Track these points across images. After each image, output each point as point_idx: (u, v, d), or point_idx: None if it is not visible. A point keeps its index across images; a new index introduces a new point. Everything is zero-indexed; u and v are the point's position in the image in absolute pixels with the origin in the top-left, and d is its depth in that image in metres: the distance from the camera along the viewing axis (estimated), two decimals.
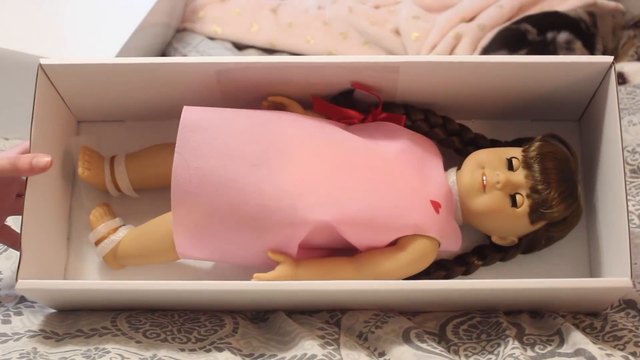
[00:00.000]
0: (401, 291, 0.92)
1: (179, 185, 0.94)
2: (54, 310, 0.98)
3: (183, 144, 0.94)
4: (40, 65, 0.97)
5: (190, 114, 0.96)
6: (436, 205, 0.97)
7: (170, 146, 0.97)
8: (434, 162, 1.01)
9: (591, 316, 0.99)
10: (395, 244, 0.97)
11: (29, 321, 0.95)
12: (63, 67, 0.98)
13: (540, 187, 0.96)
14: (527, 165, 0.96)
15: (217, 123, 0.96)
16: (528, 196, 0.96)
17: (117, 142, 1.08)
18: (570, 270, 1.03)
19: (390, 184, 0.96)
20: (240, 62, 0.98)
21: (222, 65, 0.98)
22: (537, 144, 0.98)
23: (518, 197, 0.96)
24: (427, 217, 0.96)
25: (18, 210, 0.97)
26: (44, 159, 0.93)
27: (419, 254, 0.96)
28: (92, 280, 1.01)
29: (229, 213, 0.93)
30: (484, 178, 0.97)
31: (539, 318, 0.99)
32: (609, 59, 0.96)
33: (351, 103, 1.03)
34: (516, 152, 0.99)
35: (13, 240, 1.00)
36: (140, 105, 1.06)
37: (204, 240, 0.95)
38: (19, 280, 0.90)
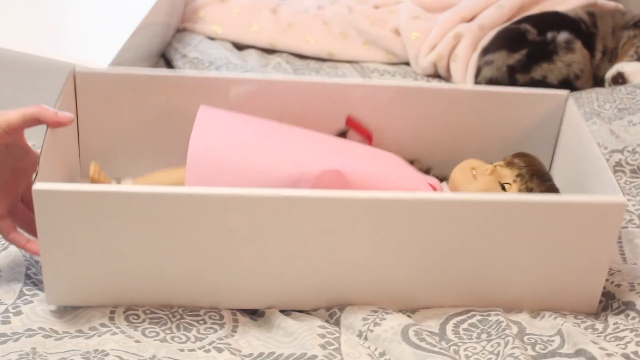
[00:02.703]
0: (399, 201, 0.93)
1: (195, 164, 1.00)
2: (52, 308, 0.98)
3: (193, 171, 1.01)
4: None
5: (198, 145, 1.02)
6: (433, 188, 1.08)
7: (178, 169, 1.08)
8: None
9: (592, 317, 1.00)
10: None
11: (28, 319, 0.95)
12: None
13: (524, 172, 1.08)
14: (509, 164, 1.10)
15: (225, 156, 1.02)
16: (514, 181, 1.08)
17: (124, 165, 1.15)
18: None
19: (391, 165, 1.10)
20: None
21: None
22: (511, 156, 1.12)
23: (506, 185, 1.08)
24: (423, 189, 1.08)
25: (28, 200, 0.97)
26: (67, 113, 0.96)
27: None
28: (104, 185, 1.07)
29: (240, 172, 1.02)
30: (474, 172, 1.09)
31: (539, 318, 0.99)
32: (564, 92, 1.10)
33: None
34: (496, 162, 1.13)
35: (26, 220, 0.99)
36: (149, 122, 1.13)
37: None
38: (37, 183, 0.89)
